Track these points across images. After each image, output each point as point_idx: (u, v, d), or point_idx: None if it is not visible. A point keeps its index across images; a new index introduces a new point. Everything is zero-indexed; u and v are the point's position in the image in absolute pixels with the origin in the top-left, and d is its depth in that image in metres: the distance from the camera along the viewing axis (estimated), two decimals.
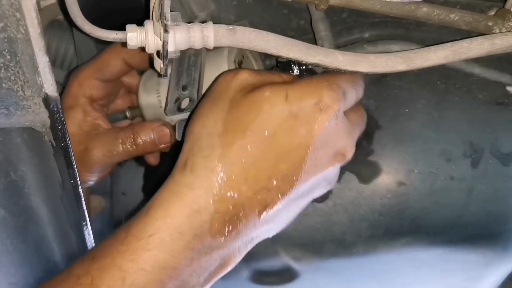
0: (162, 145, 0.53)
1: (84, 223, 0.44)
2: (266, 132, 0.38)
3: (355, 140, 0.44)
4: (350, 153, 0.43)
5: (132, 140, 0.52)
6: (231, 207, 0.37)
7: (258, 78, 0.41)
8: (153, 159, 0.58)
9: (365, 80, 0.44)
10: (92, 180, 0.54)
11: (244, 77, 0.41)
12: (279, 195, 0.38)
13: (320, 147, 0.39)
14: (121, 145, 0.51)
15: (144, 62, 0.53)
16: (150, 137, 0.52)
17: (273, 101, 0.38)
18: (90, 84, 0.53)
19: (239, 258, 0.40)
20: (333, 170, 0.42)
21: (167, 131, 0.52)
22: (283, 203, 0.39)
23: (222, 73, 0.43)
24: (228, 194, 0.37)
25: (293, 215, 0.43)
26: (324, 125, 0.39)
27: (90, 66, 0.53)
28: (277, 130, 0.38)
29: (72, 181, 0.41)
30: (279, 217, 0.41)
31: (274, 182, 0.38)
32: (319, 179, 0.41)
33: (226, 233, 0.37)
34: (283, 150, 0.38)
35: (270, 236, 0.42)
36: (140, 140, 0.52)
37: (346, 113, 0.42)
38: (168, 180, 0.39)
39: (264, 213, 0.38)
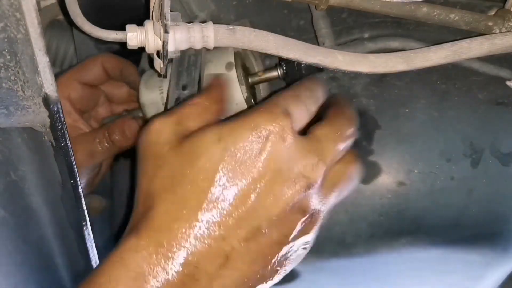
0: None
1: (84, 223, 0.44)
2: (205, 182, 0.33)
3: (317, 155, 0.35)
4: (313, 172, 0.35)
5: (107, 138, 0.56)
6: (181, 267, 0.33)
7: (174, 123, 0.37)
8: None
9: (323, 82, 0.41)
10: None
11: (158, 128, 0.37)
12: (240, 254, 0.34)
13: (273, 180, 0.34)
14: (99, 144, 0.56)
15: (120, 71, 0.58)
16: (122, 132, 0.56)
17: (206, 147, 0.34)
18: (69, 85, 0.56)
19: None
20: (301, 200, 0.35)
21: (135, 124, 0.56)
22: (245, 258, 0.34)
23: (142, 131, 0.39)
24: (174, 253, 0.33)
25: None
26: (270, 155, 0.33)
27: (72, 70, 0.58)
28: (217, 177, 0.33)
29: (72, 181, 0.41)
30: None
31: (230, 242, 0.33)
32: (288, 215, 0.35)
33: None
34: (229, 196, 0.33)
35: None
36: (115, 136, 0.56)
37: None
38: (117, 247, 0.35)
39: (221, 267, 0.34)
